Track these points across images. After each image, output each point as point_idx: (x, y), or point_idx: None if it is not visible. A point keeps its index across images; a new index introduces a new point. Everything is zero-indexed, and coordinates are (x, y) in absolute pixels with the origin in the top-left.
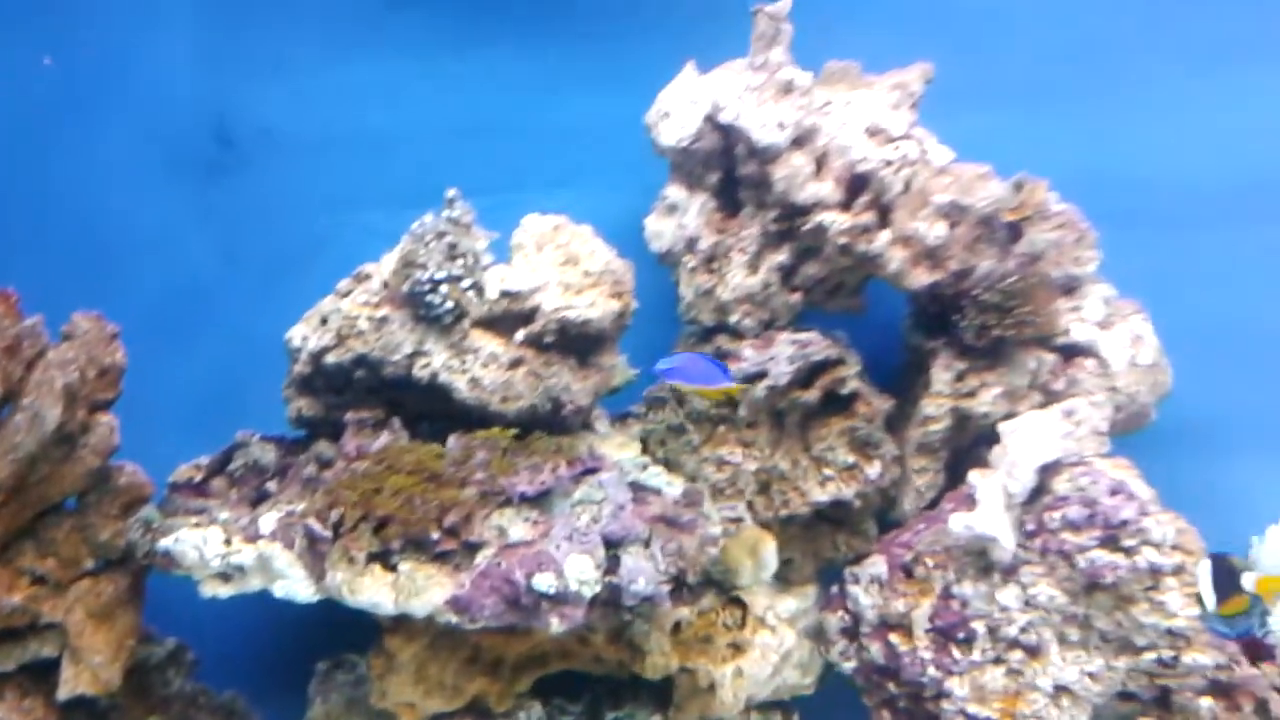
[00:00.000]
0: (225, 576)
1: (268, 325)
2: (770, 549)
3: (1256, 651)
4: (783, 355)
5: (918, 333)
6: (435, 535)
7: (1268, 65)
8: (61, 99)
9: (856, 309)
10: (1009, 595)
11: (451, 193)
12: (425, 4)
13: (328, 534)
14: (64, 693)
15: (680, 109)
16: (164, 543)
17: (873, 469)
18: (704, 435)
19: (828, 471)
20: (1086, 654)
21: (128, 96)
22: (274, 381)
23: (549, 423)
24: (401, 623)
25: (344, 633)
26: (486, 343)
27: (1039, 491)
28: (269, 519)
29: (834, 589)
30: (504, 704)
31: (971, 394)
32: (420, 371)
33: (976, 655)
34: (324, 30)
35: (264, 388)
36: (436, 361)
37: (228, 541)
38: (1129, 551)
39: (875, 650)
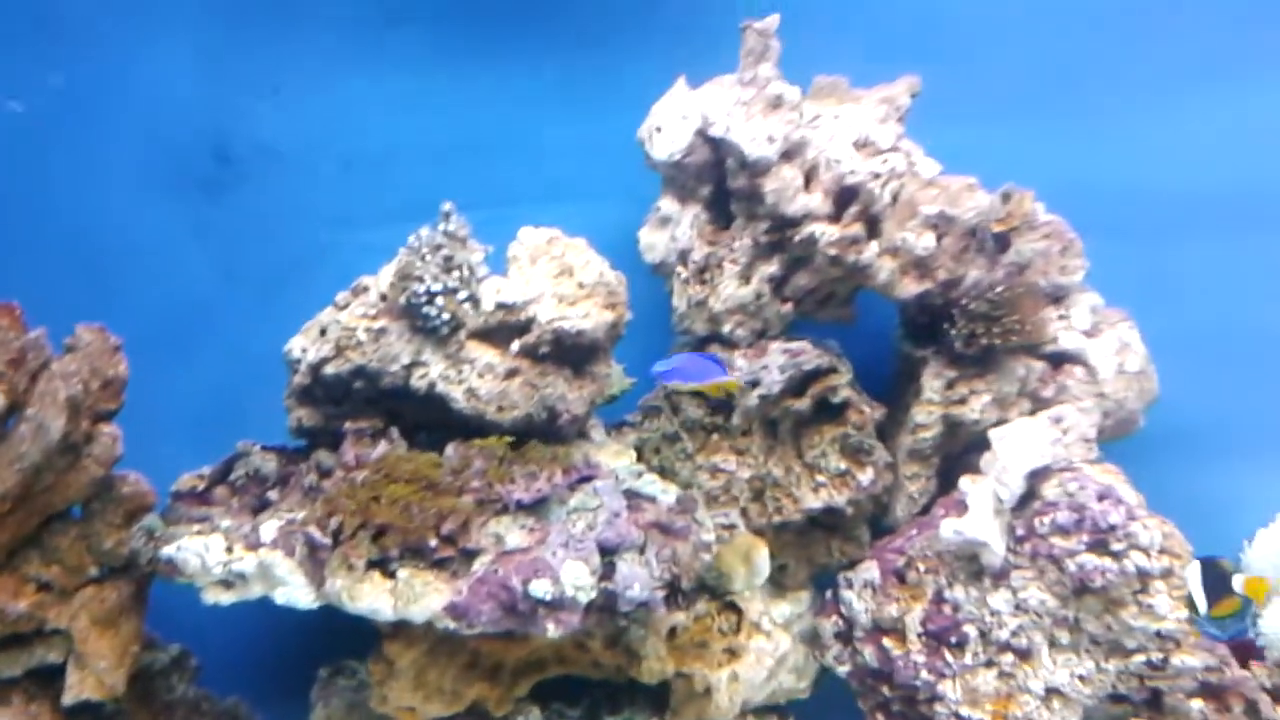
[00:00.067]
0: (227, 584)
1: (267, 338)
2: (763, 555)
3: (1246, 653)
4: (775, 364)
5: (908, 341)
6: (433, 542)
7: (1251, 77)
8: (63, 115)
9: (847, 319)
10: (1000, 599)
11: (447, 206)
12: (422, 22)
13: (328, 541)
14: (69, 698)
15: (672, 123)
16: (167, 550)
17: (865, 476)
18: (698, 443)
19: (820, 478)
20: (1077, 657)
21: (128, 113)
22: (274, 392)
23: (545, 431)
24: (401, 629)
25: (344, 639)
26: (483, 353)
27: (1029, 497)
28: (270, 527)
29: (828, 594)
30: (503, 709)
31: (962, 401)
32: (418, 382)
33: (969, 658)
34: (322, 48)
35: (264, 399)
36: (434, 372)
37: (229, 549)
38: (1117, 555)
39: (869, 654)
